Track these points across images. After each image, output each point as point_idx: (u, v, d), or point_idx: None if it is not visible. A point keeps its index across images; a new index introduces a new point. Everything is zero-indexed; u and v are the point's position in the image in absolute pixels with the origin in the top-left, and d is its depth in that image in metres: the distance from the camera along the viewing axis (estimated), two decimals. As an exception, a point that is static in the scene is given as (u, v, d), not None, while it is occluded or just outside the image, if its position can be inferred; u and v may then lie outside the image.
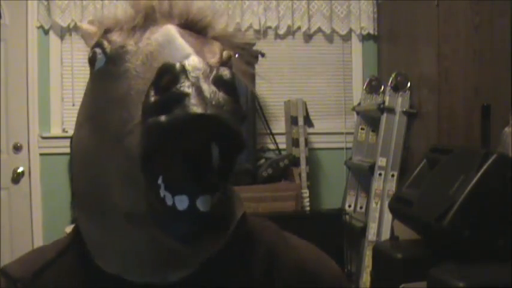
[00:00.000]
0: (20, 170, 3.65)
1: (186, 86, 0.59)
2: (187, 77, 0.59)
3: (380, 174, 3.37)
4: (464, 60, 3.06)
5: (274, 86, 3.86)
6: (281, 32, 3.86)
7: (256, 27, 3.80)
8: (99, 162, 0.70)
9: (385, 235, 3.28)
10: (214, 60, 0.73)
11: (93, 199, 0.74)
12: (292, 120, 3.61)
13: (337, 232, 3.44)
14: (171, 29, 0.70)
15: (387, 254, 2.63)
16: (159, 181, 0.59)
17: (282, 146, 3.77)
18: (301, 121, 3.60)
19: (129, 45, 0.73)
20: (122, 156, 0.66)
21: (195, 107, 0.57)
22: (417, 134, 3.39)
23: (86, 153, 0.74)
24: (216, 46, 0.76)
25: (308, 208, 3.55)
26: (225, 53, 0.76)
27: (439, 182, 2.52)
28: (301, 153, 3.58)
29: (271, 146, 3.79)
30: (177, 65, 0.60)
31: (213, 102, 0.58)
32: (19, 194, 3.65)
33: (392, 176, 3.35)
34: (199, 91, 0.58)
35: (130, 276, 0.73)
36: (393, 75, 3.44)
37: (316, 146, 3.90)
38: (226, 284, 0.75)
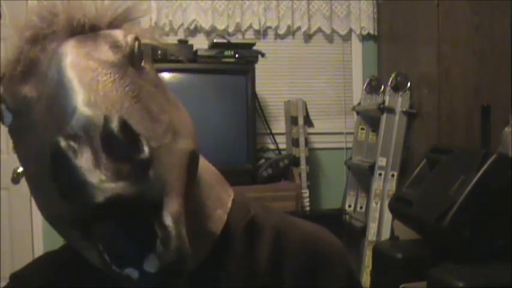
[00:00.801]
0: (20, 170, 3.65)
1: (78, 168, 0.54)
2: (75, 155, 0.55)
3: (380, 174, 3.37)
4: (464, 60, 3.06)
5: (274, 86, 3.86)
6: (281, 32, 3.86)
7: (256, 27, 3.80)
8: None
9: (385, 235, 3.28)
10: (115, 56, 0.70)
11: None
12: (292, 120, 3.61)
13: (337, 232, 3.41)
14: (61, 60, 0.66)
15: (387, 254, 2.63)
16: (101, 248, 0.56)
17: (282, 146, 3.77)
18: (301, 121, 3.60)
19: (29, 92, 0.69)
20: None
21: (93, 195, 0.53)
22: (417, 134, 3.39)
23: None
24: (118, 35, 0.72)
25: (308, 208, 3.55)
26: (129, 38, 0.73)
27: (439, 182, 2.53)
28: (301, 153, 3.58)
29: (271, 146, 3.79)
30: (62, 144, 0.55)
31: (115, 175, 0.54)
32: (19, 194, 3.65)
33: (392, 176, 3.35)
34: (91, 171, 0.54)
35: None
36: (393, 75, 3.44)
37: (316, 146, 3.90)
38: (231, 276, 0.75)
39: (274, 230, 0.82)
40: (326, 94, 4.01)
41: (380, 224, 3.34)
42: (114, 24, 0.74)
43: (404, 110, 3.38)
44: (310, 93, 3.91)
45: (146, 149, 0.56)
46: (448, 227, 2.24)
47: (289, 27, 3.86)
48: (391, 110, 3.39)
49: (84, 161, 0.54)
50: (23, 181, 3.65)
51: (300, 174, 3.52)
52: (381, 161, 3.37)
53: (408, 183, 2.78)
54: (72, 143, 0.55)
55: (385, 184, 3.35)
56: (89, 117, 0.57)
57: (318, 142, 3.90)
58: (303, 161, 3.57)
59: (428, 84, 3.27)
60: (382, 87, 3.67)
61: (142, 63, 0.73)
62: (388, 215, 3.23)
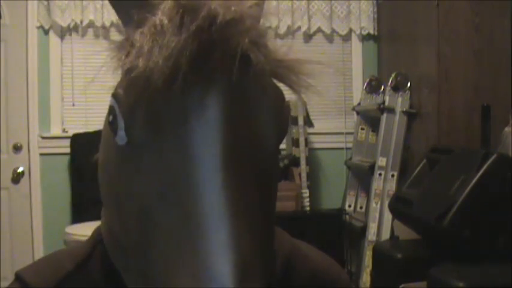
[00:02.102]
0: (20, 170, 3.65)
1: None
2: None
3: (380, 174, 3.37)
4: (464, 60, 3.06)
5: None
6: (281, 32, 3.86)
7: (256, 27, 3.80)
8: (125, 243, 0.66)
9: (385, 235, 3.28)
10: (270, 130, 0.61)
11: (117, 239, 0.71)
12: (292, 120, 3.61)
13: (337, 232, 3.44)
14: (215, 149, 0.55)
15: (387, 254, 2.63)
16: None
17: (282, 146, 3.77)
18: (301, 121, 3.60)
19: (160, 131, 0.58)
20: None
21: None
22: (417, 134, 3.39)
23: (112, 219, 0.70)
24: (274, 94, 0.65)
25: (308, 208, 3.55)
26: (286, 105, 0.65)
27: (439, 182, 2.53)
28: (301, 153, 3.58)
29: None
30: None
31: None
32: (19, 194, 3.65)
33: (393, 176, 3.35)
34: None
35: None
36: (393, 75, 3.44)
37: (316, 146, 3.90)
38: None
39: (284, 259, 0.80)
40: (326, 94, 4.01)
41: (380, 224, 3.34)
42: (275, 68, 0.63)
43: (404, 110, 3.38)
44: (310, 93, 3.90)
45: None
46: (448, 227, 2.24)
47: (289, 27, 3.86)
48: (391, 110, 3.39)
49: None
50: (23, 181, 3.65)
51: (300, 174, 3.52)
52: (381, 161, 3.37)
53: (408, 183, 2.78)
54: None
55: (385, 184, 3.35)
56: None
57: (318, 142, 3.90)
58: (303, 161, 3.57)
59: (428, 84, 3.27)
60: (382, 87, 3.67)
61: None
62: (388, 215, 3.23)
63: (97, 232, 0.79)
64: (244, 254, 0.52)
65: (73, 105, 3.69)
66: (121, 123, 0.60)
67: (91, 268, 0.75)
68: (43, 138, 3.66)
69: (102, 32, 3.68)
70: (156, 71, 0.55)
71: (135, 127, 0.59)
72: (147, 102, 0.57)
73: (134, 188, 0.59)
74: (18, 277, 0.77)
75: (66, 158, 3.62)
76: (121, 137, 0.60)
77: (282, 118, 0.63)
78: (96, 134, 3.80)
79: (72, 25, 3.63)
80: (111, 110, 0.61)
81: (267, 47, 0.62)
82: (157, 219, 0.56)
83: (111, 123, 0.61)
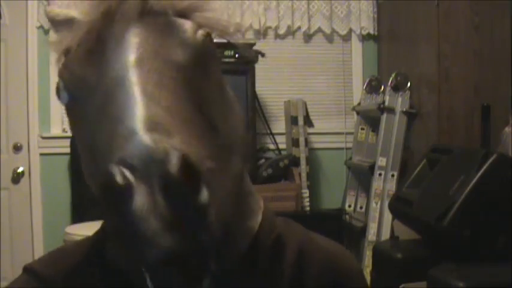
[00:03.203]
0: (20, 170, 3.65)
1: (132, 221, 0.52)
2: (127, 203, 0.52)
3: (380, 174, 3.37)
4: (464, 60, 3.06)
5: (274, 86, 3.86)
6: (281, 32, 3.86)
7: (256, 27, 3.80)
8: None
9: (385, 235, 3.28)
10: (183, 55, 0.68)
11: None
12: (292, 120, 3.61)
13: (337, 232, 3.44)
14: (126, 56, 0.64)
15: (387, 254, 2.63)
16: (144, 272, 0.55)
17: (282, 146, 3.77)
18: (301, 121, 3.60)
19: (88, 77, 0.68)
20: None
21: (159, 250, 0.52)
22: (417, 134, 3.39)
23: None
24: (188, 28, 0.70)
25: (308, 208, 3.55)
26: (199, 33, 0.70)
27: (439, 182, 2.53)
28: (301, 153, 3.58)
29: (271, 146, 3.79)
30: (116, 174, 0.52)
31: (172, 231, 0.52)
32: (19, 194, 3.65)
33: (393, 176, 3.35)
34: (148, 224, 0.52)
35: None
36: (393, 75, 3.44)
37: (316, 146, 3.90)
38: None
39: (297, 247, 0.81)
40: (326, 94, 4.01)
41: (380, 224, 3.34)
42: (184, 13, 0.71)
43: (404, 110, 3.38)
44: (310, 93, 3.90)
45: (205, 193, 0.54)
46: (448, 227, 2.24)
47: (289, 27, 3.86)
48: (391, 110, 3.39)
49: (139, 202, 0.52)
50: (23, 181, 3.65)
51: (300, 174, 3.52)
52: (381, 161, 3.37)
53: (408, 183, 2.78)
54: (127, 174, 0.53)
55: (385, 184, 3.35)
56: (150, 150, 0.54)
57: (318, 142, 3.90)
58: (303, 161, 3.57)
59: (428, 84, 3.27)
60: (382, 87, 3.67)
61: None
62: (388, 215, 3.23)
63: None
64: (154, 115, 0.58)
65: (73, 105, 3.69)
66: (61, 85, 0.70)
67: (99, 258, 0.77)
68: (43, 138, 3.66)
69: None
70: (75, 36, 0.69)
71: (71, 83, 0.69)
72: (75, 62, 0.69)
73: (83, 132, 0.69)
74: (26, 270, 0.78)
75: (66, 158, 3.62)
76: (63, 97, 0.71)
77: (197, 43, 0.70)
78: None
79: (72, 25, 3.63)
80: (57, 83, 0.72)
81: None
82: (96, 141, 0.64)
83: (56, 91, 0.71)
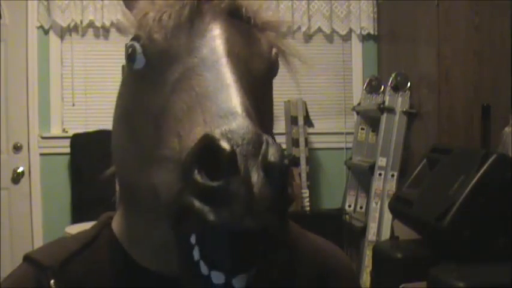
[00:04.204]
0: (20, 170, 3.65)
1: (235, 183, 0.53)
2: (234, 165, 0.53)
3: (380, 174, 3.37)
4: (464, 60, 3.06)
5: (274, 86, 3.86)
6: (283, 32, 3.86)
7: (256, 27, 3.80)
8: (133, 167, 0.71)
9: (385, 235, 3.28)
10: (262, 64, 0.72)
11: (130, 196, 0.75)
12: (292, 120, 3.61)
13: (337, 232, 3.44)
14: (217, 43, 0.66)
15: (387, 254, 2.63)
16: (192, 240, 0.55)
17: (282, 146, 3.77)
18: (301, 121, 3.60)
19: (171, 49, 0.69)
20: (149, 180, 0.65)
21: (245, 219, 0.53)
22: (417, 134, 3.39)
23: (123, 153, 0.74)
24: (265, 43, 0.74)
25: (308, 208, 3.55)
26: (274, 51, 0.75)
27: (439, 182, 2.53)
28: (301, 153, 3.58)
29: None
30: (225, 147, 0.53)
31: (263, 209, 0.53)
32: (19, 194, 3.66)
33: (392, 176, 3.35)
34: (249, 191, 0.53)
35: (165, 270, 0.74)
36: (393, 75, 3.44)
37: (316, 146, 3.90)
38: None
39: (291, 243, 0.83)
40: (326, 94, 4.01)
41: (380, 224, 3.34)
42: (263, 27, 0.75)
43: (404, 110, 3.38)
44: (310, 93, 3.90)
45: (289, 188, 0.57)
46: (448, 227, 2.24)
47: (289, 27, 3.85)
48: (391, 110, 3.39)
49: (244, 170, 0.53)
50: (23, 181, 3.65)
51: (300, 174, 3.52)
52: (381, 161, 3.37)
53: (408, 183, 2.78)
54: (228, 141, 0.53)
55: (385, 184, 3.35)
56: (253, 132, 0.55)
57: (318, 142, 3.90)
58: (303, 161, 3.57)
59: (428, 84, 3.27)
60: (382, 87, 3.67)
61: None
62: (388, 215, 3.23)
63: (104, 217, 0.84)
64: (247, 103, 0.59)
65: (73, 105, 3.69)
66: (139, 49, 0.70)
67: (96, 249, 0.79)
68: (43, 138, 3.66)
69: (102, 32, 3.68)
70: (166, 10, 0.69)
71: (151, 49, 0.70)
72: (160, 29, 0.70)
73: (151, 102, 0.68)
74: (26, 258, 0.80)
75: (66, 158, 3.62)
76: (140, 60, 0.70)
77: (271, 59, 0.75)
78: (96, 134, 3.81)
79: (72, 25, 3.63)
80: (130, 46, 0.71)
81: (254, 5, 0.75)
82: (170, 111, 0.64)
83: (130, 54, 0.71)
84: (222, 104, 0.59)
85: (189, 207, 0.54)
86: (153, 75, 0.69)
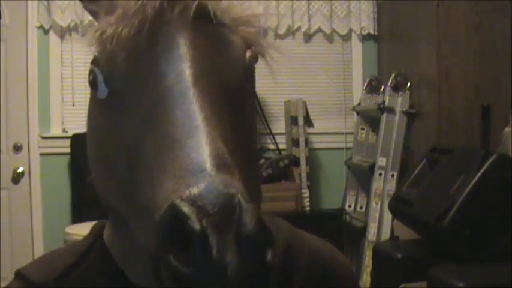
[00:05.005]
0: (20, 170, 3.65)
1: (208, 268, 0.50)
2: (205, 247, 0.50)
3: (380, 174, 3.37)
4: (464, 60, 3.06)
5: (274, 86, 3.86)
6: (281, 32, 3.86)
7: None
8: (110, 193, 0.69)
9: (385, 235, 3.28)
10: (233, 74, 0.66)
11: (113, 214, 0.74)
12: (292, 120, 3.61)
13: (337, 232, 3.44)
14: (183, 68, 0.61)
15: (387, 254, 2.63)
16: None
17: (282, 146, 3.77)
18: (301, 121, 3.60)
19: (134, 75, 0.64)
20: (128, 211, 0.64)
21: None
22: (417, 134, 3.39)
23: (99, 177, 0.72)
24: (238, 44, 0.69)
25: (308, 208, 3.55)
26: (248, 53, 0.69)
27: (439, 182, 2.53)
28: (301, 153, 3.58)
29: (271, 146, 3.80)
30: (194, 228, 0.50)
31: (236, 280, 0.50)
32: (19, 194, 3.65)
33: (392, 176, 3.35)
34: (223, 276, 0.50)
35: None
36: (393, 75, 3.44)
37: (316, 146, 3.90)
38: None
39: (284, 243, 0.82)
40: (326, 94, 4.01)
41: (380, 224, 3.34)
42: (235, 23, 0.69)
43: (404, 110, 3.38)
44: (310, 93, 3.90)
45: (270, 253, 0.52)
46: (448, 227, 2.24)
47: (289, 27, 3.86)
48: (391, 110, 3.39)
49: (216, 250, 0.50)
50: (23, 181, 3.65)
51: (300, 174, 3.52)
52: (381, 161, 3.37)
53: (408, 183, 2.78)
54: (200, 218, 0.50)
55: (385, 184, 3.35)
56: (224, 197, 0.52)
57: (318, 142, 3.90)
58: (303, 161, 3.57)
59: (428, 84, 3.27)
60: (382, 87, 3.67)
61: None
62: (388, 215, 3.23)
63: (97, 227, 0.81)
64: (220, 151, 0.56)
65: (73, 105, 3.69)
66: (100, 78, 0.66)
67: (91, 261, 0.77)
68: (43, 138, 3.66)
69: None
70: (125, 26, 0.64)
71: (113, 76, 0.65)
72: (120, 52, 0.64)
73: (119, 132, 0.65)
74: (18, 275, 0.78)
75: (66, 158, 3.62)
76: (102, 90, 0.66)
77: (245, 64, 0.69)
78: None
79: (72, 25, 3.63)
80: (90, 72, 0.68)
81: (224, 3, 0.69)
82: (141, 151, 0.61)
83: (92, 81, 0.67)
84: (191, 153, 0.55)
85: (168, 286, 0.52)
86: (119, 105, 0.65)
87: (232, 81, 0.66)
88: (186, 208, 0.51)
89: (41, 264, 0.80)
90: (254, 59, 0.71)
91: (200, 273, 0.50)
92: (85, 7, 0.75)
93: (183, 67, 0.62)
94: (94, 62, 0.68)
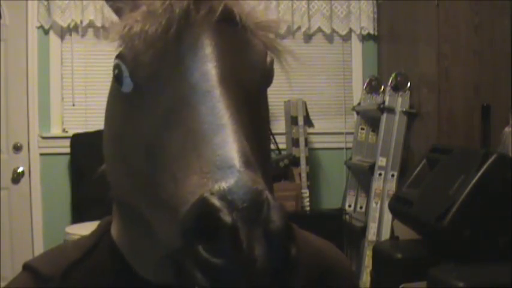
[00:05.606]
0: (20, 170, 3.65)
1: (237, 261, 0.51)
2: (235, 241, 0.51)
3: (380, 174, 3.37)
4: (464, 60, 3.06)
5: (274, 86, 3.85)
6: (281, 32, 3.85)
7: (256, 27, 3.80)
8: (126, 189, 0.69)
9: (385, 235, 3.28)
10: (253, 75, 0.68)
11: (127, 211, 0.74)
12: (292, 120, 3.61)
13: (337, 232, 3.43)
14: (209, 68, 0.62)
15: (387, 254, 2.63)
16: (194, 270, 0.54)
17: (282, 146, 3.77)
18: (301, 121, 3.60)
19: (160, 72, 0.65)
20: (145, 206, 0.65)
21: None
22: (417, 134, 3.39)
23: (115, 173, 0.72)
24: (259, 49, 0.70)
25: (308, 208, 3.55)
26: (269, 58, 0.71)
27: (439, 182, 2.53)
28: (301, 153, 3.58)
29: (271, 146, 3.80)
30: (226, 221, 0.51)
31: (268, 282, 0.52)
32: (19, 194, 3.65)
33: (392, 176, 3.35)
34: (252, 269, 0.51)
35: (166, 283, 0.72)
36: (393, 75, 3.44)
37: (316, 146, 3.90)
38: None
39: None
40: (326, 94, 4.01)
41: (380, 224, 3.34)
42: (256, 28, 0.71)
43: (404, 110, 3.38)
44: (310, 93, 3.90)
45: (295, 250, 0.54)
46: (448, 226, 2.24)
47: (289, 27, 3.86)
48: (391, 110, 3.39)
49: (245, 245, 0.51)
50: (23, 181, 3.65)
51: (300, 174, 3.52)
52: (381, 161, 3.37)
53: (408, 183, 2.78)
54: (231, 212, 0.51)
55: (385, 184, 3.35)
56: (253, 193, 0.53)
57: (318, 142, 3.90)
58: (303, 161, 3.57)
59: (428, 84, 3.27)
60: (382, 87, 3.67)
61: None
62: (388, 215, 3.23)
63: (103, 223, 0.82)
64: (246, 148, 0.57)
65: (73, 105, 3.69)
66: (126, 72, 0.67)
67: (98, 257, 0.78)
68: (43, 138, 3.66)
69: (102, 32, 3.68)
70: (152, 24, 0.65)
71: (138, 72, 0.66)
72: (147, 49, 0.65)
73: (141, 128, 0.65)
74: (27, 267, 0.79)
75: (66, 158, 3.62)
76: (127, 84, 0.67)
77: (265, 68, 0.71)
78: (96, 134, 3.81)
79: (72, 25, 3.63)
80: (116, 66, 0.69)
81: (247, 7, 0.71)
82: (164, 147, 0.61)
83: (117, 76, 0.68)
84: (218, 149, 0.56)
85: (192, 279, 0.52)
86: (142, 101, 0.66)
87: (253, 83, 0.68)
88: (216, 201, 0.51)
89: (49, 258, 0.81)
90: (273, 64, 0.73)
91: (229, 264, 0.51)
92: (110, 5, 0.75)
93: (208, 66, 0.63)
94: (119, 56, 0.68)
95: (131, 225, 0.75)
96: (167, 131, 0.62)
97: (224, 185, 0.53)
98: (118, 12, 0.74)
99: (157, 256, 0.65)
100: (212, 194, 0.52)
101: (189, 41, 0.65)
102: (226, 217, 0.51)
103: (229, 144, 0.56)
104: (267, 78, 0.72)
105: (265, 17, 0.73)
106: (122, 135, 0.69)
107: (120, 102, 0.70)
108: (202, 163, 0.56)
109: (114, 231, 0.79)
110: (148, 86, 0.66)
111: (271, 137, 3.76)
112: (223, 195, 0.52)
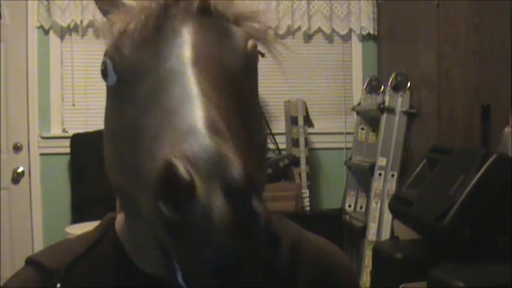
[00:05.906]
0: (20, 170, 3.65)
1: (194, 214, 0.53)
2: (192, 194, 0.53)
3: (380, 174, 3.37)
4: (464, 60, 3.06)
5: (274, 86, 3.86)
6: (281, 32, 3.86)
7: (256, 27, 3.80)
8: (124, 183, 0.70)
9: (385, 235, 3.28)
10: (234, 60, 0.70)
11: (128, 205, 0.75)
12: (292, 120, 3.61)
13: (337, 232, 3.44)
14: (184, 51, 0.65)
15: (387, 254, 2.63)
16: (175, 263, 0.56)
17: (282, 146, 3.77)
18: (301, 121, 3.60)
19: (140, 62, 0.68)
20: (138, 198, 0.65)
21: (209, 252, 0.53)
22: (417, 134, 3.39)
23: (113, 170, 0.74)
24: (240, 36, 0.72)
25: (308, 208, 3.55)
26: (250, 43, 0.73)
27: (439, 182, 2.53)
28: (301, 153, 3.58)
29: (271, 146, 3.79)
30: (182, 177, 0.53)
31: (228, 237, 0.53)
32: (19, 194, 3.65)
33: (392, 176, 3.35)
34: (209, 222, 0.53)
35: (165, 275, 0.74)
36: (393, 75, 3.44)
37: (316, 146, 3.90)
38: (251, 284, 0.75)
39: (290, 241, 0.84)
40: (326, 94, 4.01)
41: (380, 224, 3.34)
42: (238, 19, 0.74)
43: (404, 110, 3.38)
44: (310, 93, 3.90)
45: (259, 203, 0.55)
46: (448, 227, 2.24)
47: (289, 27, 3.86)
48: (391, 110, 3.39)
49: (203, 200, 0.53)
50: (23, 181, 3.65)
51: (300, 174, 3.52)
52: (381, 161, 3.37)
53: (408, 183, 2.78)
54: (191, 171, 0.53)
55: (385, 184, 3.35)
56: (214, 153, 0.54)
57: (318, 142, 3.90)
58: (303, 161, 3.57)
59: (428, 84, 3.27)
60: (382, 87, 3.67)
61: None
62: (388, 215, 3.23)
63: (107, 218, 0.84)
64: (213, 116, 0.58)
65: (73, 105, 3.69)
66: (110, 66, 0.71)
67: (101, 251, 0.79)
68: (43, 138, 3.66)
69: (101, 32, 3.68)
70: (134, 19, 0.69)
71: (121, 65, 0.70)
72: (128, 43, 0.70)
73: (126, 117, 0.68)
74: (30, 261, 0.79)
75: (66, 158, 3.62)
76: (111, 77, 0.71)
77: (246, 52, 0.72)
78: (96, 134, 3.82)
79: (72, 25, 3.63)
80: (103, 63, 0.72)
81: (225, 2, 0.74)
82: (143, 128, 0.64)
83: (103, 71, 0.72)
84: (186, 118, 0.58)
85: (161, 240, 0.55)
86: (126, 91, 0.69)
87: (233, 68, 0.69)
88: (177, 162, 0.54)
89: (53, 252, 0.82)
90: (255, 49, 0.73)
91: (187, 217, 0.53)
92: (98, 7, 0.79)
93: (183, 49, 0.66)
94: (106, 53, 0.72)
95: (130, 218, 0.77)
96: (146, 114, 0.64)
97: (186, 146, 0.55)
98: (106, 14, 0.77)
99: (152, 247, 0.66)
100: (175, 157, 0.54)
101: (167, 31, 0.68)
102: (184, 174, 0.53)
103: (194, 112, 0.58)
104: (249, 61, 0.73)
105: (246, 9, 0.75)
106: (114, 128, 0.72)
107: (109, 96, 0.74)
108: (173, 134, 0.58)
109: (118, 226, 0.81)
110: (130, 76, 0.69)
111: (270, 135, 3.76)
112: (185, 156, 0.54)
